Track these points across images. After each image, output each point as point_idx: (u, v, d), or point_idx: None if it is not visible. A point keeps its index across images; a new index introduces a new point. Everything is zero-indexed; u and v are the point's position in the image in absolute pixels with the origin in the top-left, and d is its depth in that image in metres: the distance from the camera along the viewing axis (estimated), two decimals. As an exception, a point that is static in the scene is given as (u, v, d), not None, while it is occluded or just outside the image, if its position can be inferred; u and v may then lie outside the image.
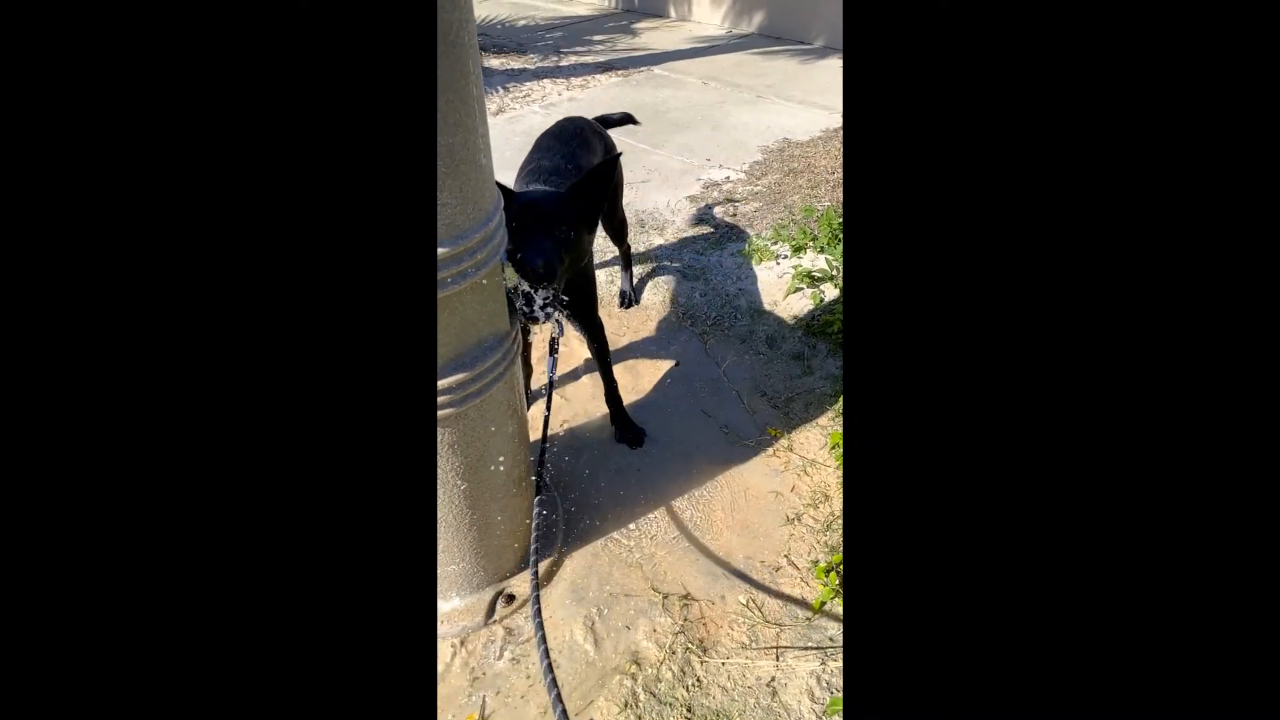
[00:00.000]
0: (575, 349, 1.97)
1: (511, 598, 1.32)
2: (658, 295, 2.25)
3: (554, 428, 1.73)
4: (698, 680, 1.19)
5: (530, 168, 1.70)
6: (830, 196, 2.80)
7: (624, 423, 1.70)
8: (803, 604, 1.31)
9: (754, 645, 1.24)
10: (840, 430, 1.65)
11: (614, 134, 2.03)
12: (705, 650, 1.24)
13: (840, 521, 1.46)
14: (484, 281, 1.06)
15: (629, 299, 2.22)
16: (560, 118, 1.95)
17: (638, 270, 2.34)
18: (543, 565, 1.38)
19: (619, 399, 1.70)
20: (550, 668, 0.78)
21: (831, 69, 4.38)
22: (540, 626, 0.85)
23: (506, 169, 3.14)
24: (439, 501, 1.17)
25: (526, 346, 1.64)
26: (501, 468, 1.23)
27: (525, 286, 1.27)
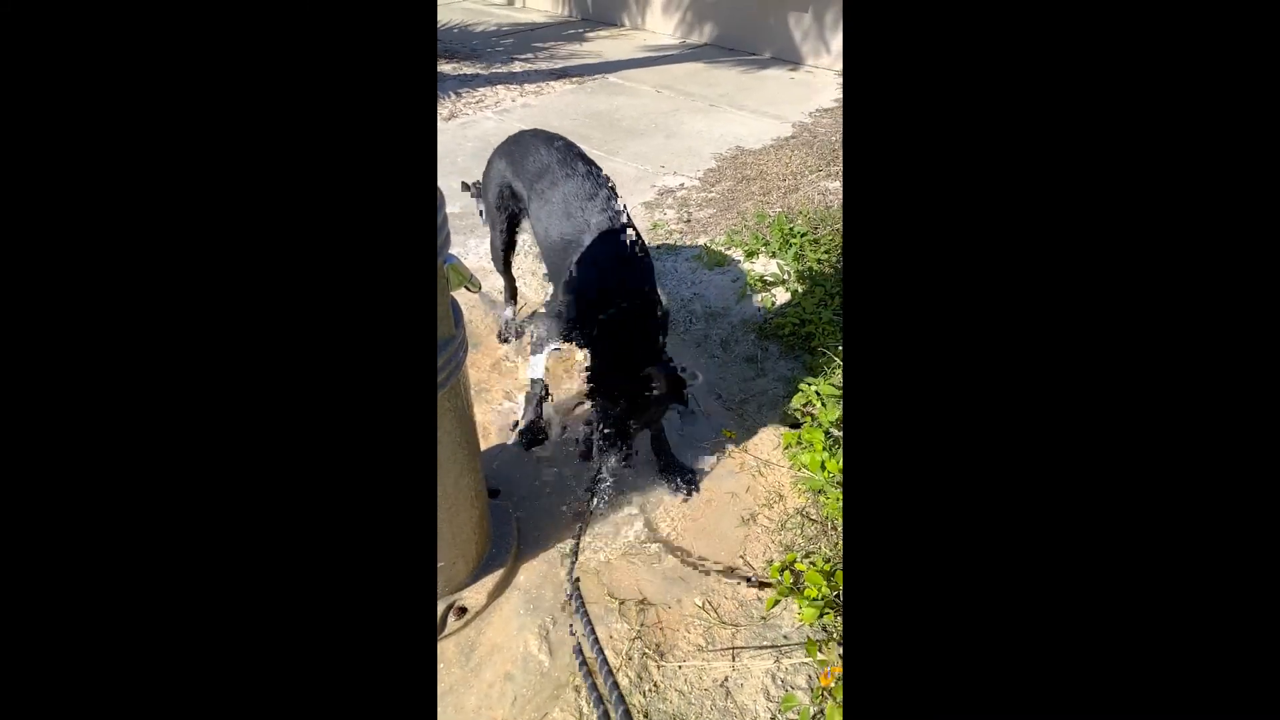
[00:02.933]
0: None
1: (463, 610, 1.29)
2: (613, 301, 2.25)
3: (507, 436, 1.71)
4: (655, 685, 1.18)
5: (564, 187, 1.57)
6: (782, 203, 2.85)
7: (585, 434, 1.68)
8: (758, 603, 1.31)
9: (710, 647, 1.24)
10: (791, 431, 1.67)
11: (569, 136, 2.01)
12: (662, 655, 1.23)
13: (794, 520, 1.48)
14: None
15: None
16: (515, 123, 1.93)
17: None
18: (495, 575, 1.35)
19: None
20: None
21: (781, 80, 4.46)
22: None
23: (459, 174, 3.09)
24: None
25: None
26: (449, 478, 1.21)
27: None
